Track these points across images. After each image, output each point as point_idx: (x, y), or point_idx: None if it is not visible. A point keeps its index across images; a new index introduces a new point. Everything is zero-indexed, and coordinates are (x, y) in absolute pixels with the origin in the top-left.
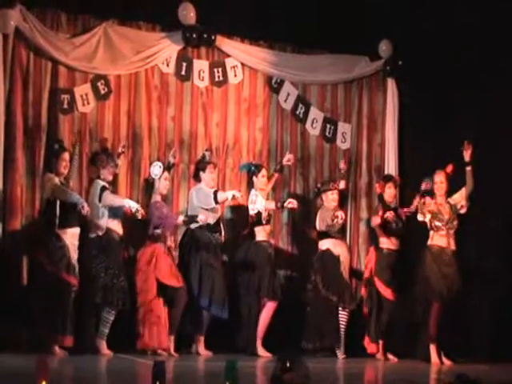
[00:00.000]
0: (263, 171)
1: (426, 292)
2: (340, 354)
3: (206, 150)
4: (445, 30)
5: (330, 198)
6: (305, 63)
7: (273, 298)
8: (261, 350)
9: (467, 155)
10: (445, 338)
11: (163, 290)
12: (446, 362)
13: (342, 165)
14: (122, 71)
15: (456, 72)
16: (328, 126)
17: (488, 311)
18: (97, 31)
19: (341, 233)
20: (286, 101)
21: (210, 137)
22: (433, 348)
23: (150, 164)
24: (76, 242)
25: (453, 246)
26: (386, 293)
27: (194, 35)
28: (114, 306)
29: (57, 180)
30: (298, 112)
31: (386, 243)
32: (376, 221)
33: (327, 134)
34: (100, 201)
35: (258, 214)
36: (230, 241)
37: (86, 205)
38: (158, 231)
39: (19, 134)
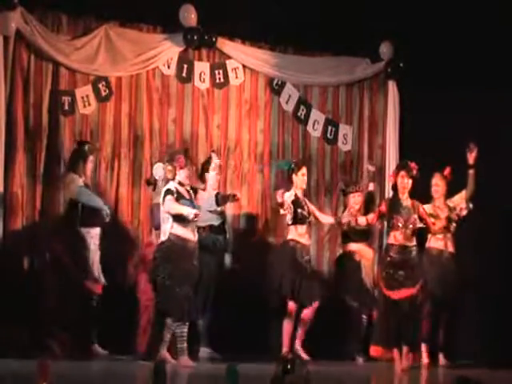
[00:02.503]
0: (303, 169)
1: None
2: (359, 357)
3: (213, 151)
4: (445, 31)
5: (352, 201)
6: (306, 65)
7: (290, 299)
8: (301, 353)
9: (471, 158)
10: (445, 340)
11: None
12: (447, 364)
13: (371, 167)
14: (122, 73)
15: (456, 74)
16: (329, 127)
17: (487, 313)
18: (98, 33)
19: (364, 236)
20: (287, 102)
21: (211, 139)
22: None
23: (152, 166)
24: (97, 242)
25: (451, 249)
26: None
27: (195, 37)
28: (174, 316)
29: (81, 182)
30: (299, 114)
31: (391, 239)
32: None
33: (328, 135)
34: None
35: (290, 213)
36: (237, 243)
37: (108, 212)
38: (159, 232)
39: (20, 136)
